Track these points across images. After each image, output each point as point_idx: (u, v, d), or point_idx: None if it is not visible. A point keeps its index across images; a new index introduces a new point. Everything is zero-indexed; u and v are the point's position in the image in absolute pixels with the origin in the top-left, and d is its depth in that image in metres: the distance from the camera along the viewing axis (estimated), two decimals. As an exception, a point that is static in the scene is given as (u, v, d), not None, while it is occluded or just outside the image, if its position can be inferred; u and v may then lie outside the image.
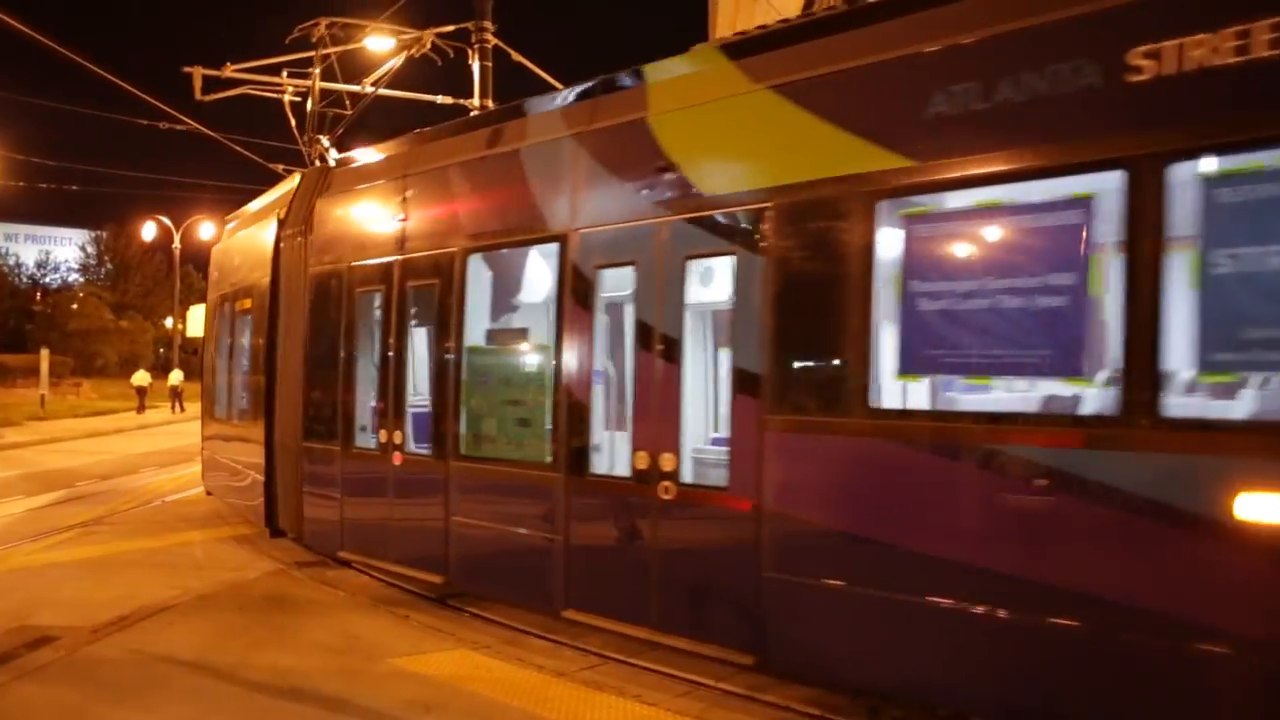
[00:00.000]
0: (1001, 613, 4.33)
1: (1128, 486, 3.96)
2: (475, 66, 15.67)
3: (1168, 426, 3.88)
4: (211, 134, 16.17)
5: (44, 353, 34.41)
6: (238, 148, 17.13)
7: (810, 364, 5.19)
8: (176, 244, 42.09)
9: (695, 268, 5.91)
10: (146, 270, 63.40)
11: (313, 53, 14.90)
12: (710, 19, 17.10)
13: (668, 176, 5.94)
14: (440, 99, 16.35)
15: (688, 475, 5.81)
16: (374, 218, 8.62)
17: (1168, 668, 3.88)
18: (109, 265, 65.26)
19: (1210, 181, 3.90)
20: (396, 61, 14.44)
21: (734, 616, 5.43)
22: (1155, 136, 3.99)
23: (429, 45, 14.32)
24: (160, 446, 21.82)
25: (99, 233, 65.54)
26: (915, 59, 4.86)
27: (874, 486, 4.86)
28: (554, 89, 13.84)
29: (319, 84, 14.76)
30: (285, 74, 15.06)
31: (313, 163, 12.31)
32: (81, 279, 65.17)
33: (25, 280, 65.94)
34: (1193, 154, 3.94)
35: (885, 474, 4.82)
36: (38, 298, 61.35)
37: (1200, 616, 3.76)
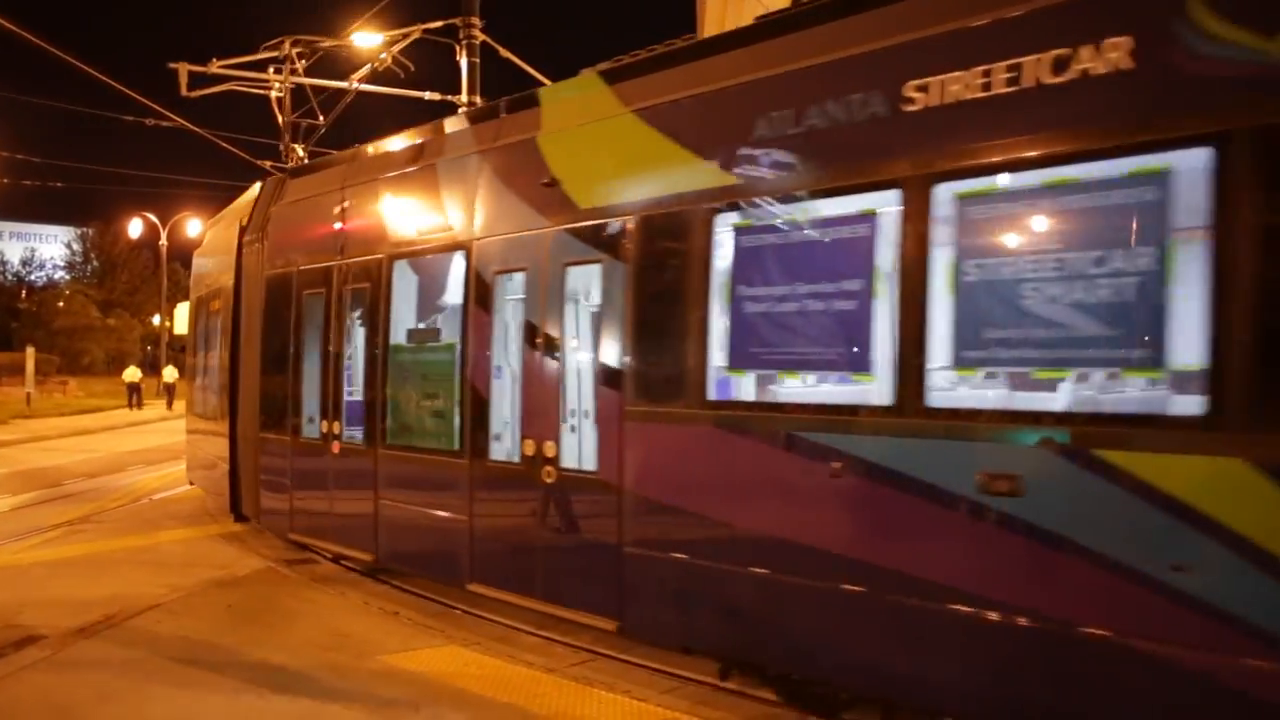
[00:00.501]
0: (806, 579, 4.93)
1: (901, 467, 4.55)
2: (463, 63, 15.63)
3: (930, 414, 4.49)
4: (198, 130, 16.10)
5: (29, 351, 34.21)
6: (224, 144, 17.06)
7: (660, 360, 5.76)
8: (163, 241, 41.82)
9: (573, 274, 6.48)
10: (133, 267, 63.08)
11: (297, 50, 14.84)
12: (699, 11, 17.09)
13: (552, 191, 6.57)
14: (428, 95, 16.29)
15: (566, 461, 6.42)
16: (318, 225, 9.27)
17: (942, 624, 4.41)
18: (95, 262, 64.89)
19: (962, 200, 4.48)
20: (381, 58, 14.39)
21: (601, 587, 6.01)
22: (923, 160, 4.60)
23: (391, 54, 14.18)
24: (147, 444, 21.72)
25: (85, 230, 65.18)
26: (741, 88, 5.52)
27: (708, 470, 5.44)
28: (540, 85, 13.84)
29: (302, 79, 14.69)
30: (272, 70, 14.99)
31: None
32: (67, 276, 64.81)
33: (10, 278, 65.58)
34: (951, 176, 4.50)
35: (717, 458, 5.40)
36: (23, 295, 61.02)
37: (967, 582, 4.32)
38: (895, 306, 4.65)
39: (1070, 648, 4.00)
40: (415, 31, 15.28)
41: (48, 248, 67.15)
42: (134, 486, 14.81)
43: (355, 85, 15.17)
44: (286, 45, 13.27)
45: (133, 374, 35.02)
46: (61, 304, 56.36)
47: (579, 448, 6.56)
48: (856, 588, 4.71)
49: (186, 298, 16.68)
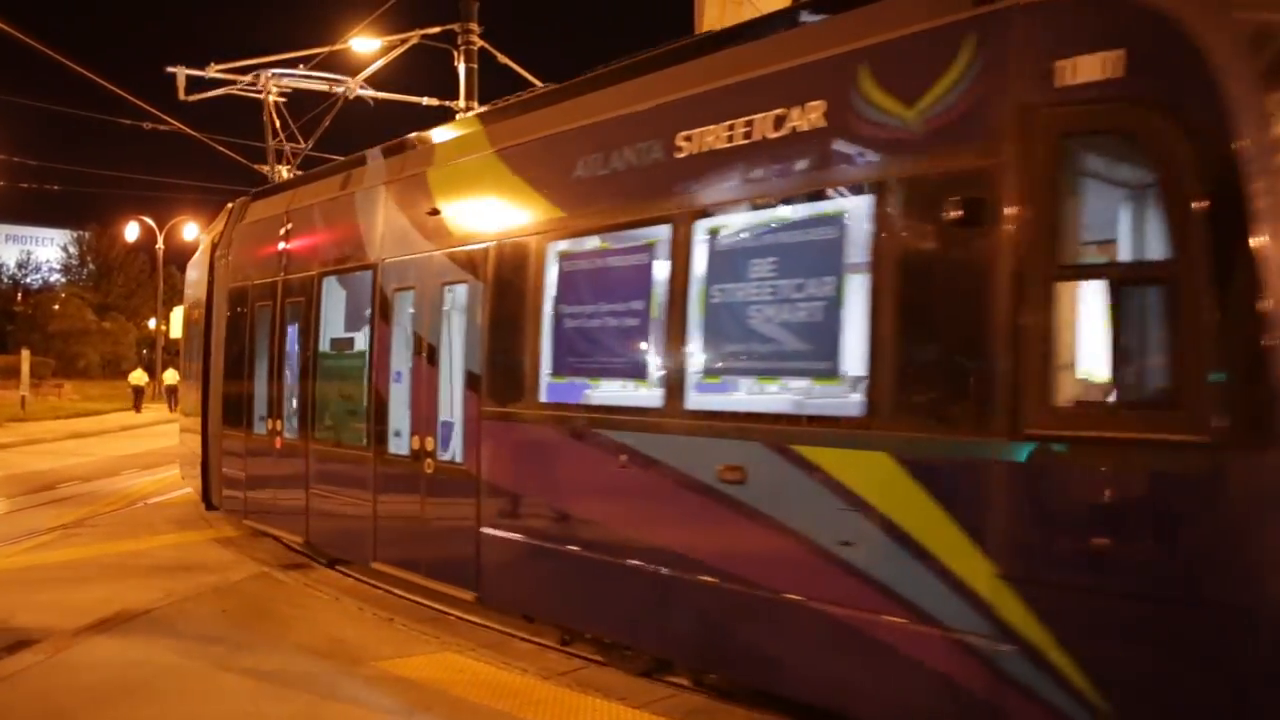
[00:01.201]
0: (603, 555, 5.85)
1: (667, 459, 5.44)
2: (461, 68, 15.66)
3: (687, 416, 5.36)
4: (195, 134, 16.12)
5: (25, 354, 34.18)
6: (221, 148, 17.08)
7: (506, 367, 6.74)
8: (160, 244, 41.83)
9: (448, 293, 7.50)
10: (130, 271, 62.99)
11: (298, 53, 14.87)
12: (696, 17, 17.14)
13: (435, 219, 7.58)
14: (425, 100, 16.32)
15: (441, 454, 7.42)
16: (268, 244, 10.51)
17: (691, 590, 5.31)
18: (91, 266, 64.78)
19: (711, 234, 5.36)
20: (374, 67, 14.39)
21: (464, 563, 6.97)
22: (687, 200, 5.48)
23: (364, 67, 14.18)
24: (143, 448, 21.69)
25: (81, 233, 65.09)
26: (565, 135, 6.53)
27: (539, 462, 6.47)
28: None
29: (298, 85, 14.70)
30: (270, 75, 15.00)
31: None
32: (63, 279, 64.69)
33: (6, 281, 65.45)
34: (705, 214, 5.39)
35: (545, 452, 6.41)
36: (18, 298, 60.87)
37: (710, 556, 5.21)
38: (664, 324, 5.55)
39: (779, 607, 4.89)
40: (414, 37, 15.32)
41: (44, 250, 67.04)
42: (129, 490, 14.79)
43: (351, 91, 15.19)
44: (264, 78, 13.42)
45: (139, 377, 35.85)
46: (57, 307, 56.23)
47: (450, 443, 7.43)
48: (636, 562, 5.61)
49: (182, 302, 16.83)
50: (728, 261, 5.29)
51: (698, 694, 5.63)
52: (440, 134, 8.20)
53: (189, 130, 15.84)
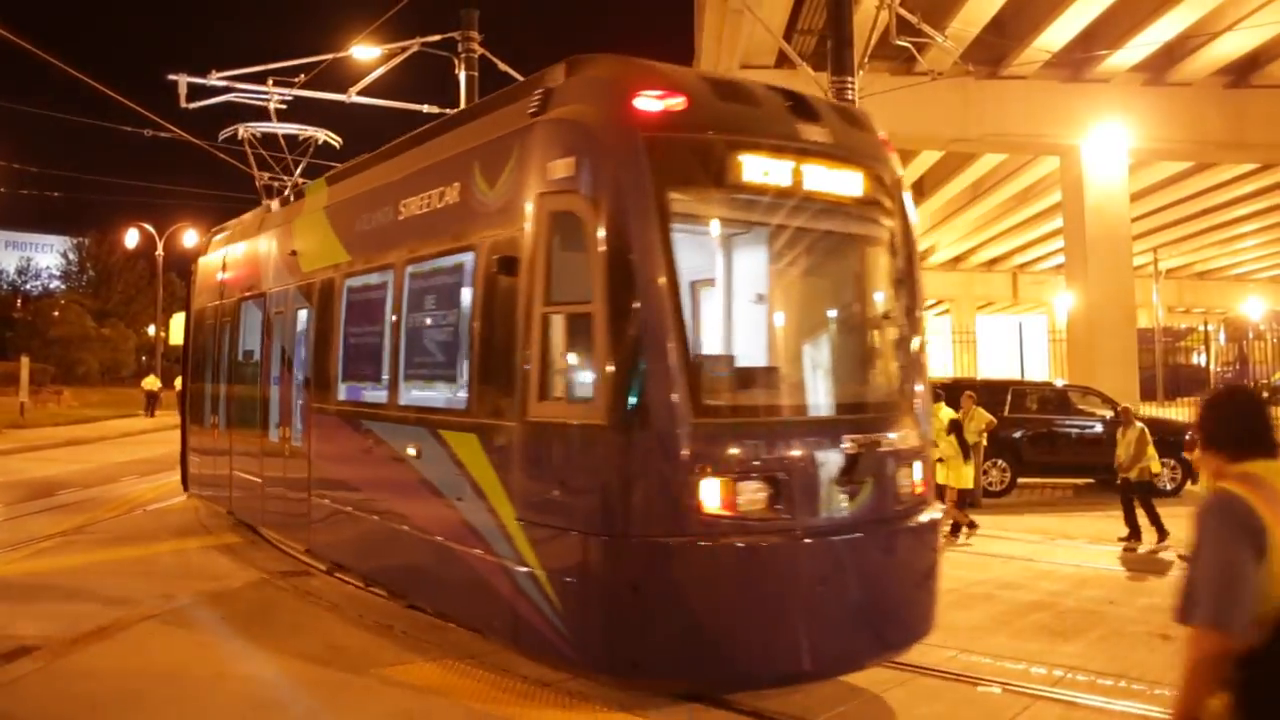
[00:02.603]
0: (363, 514, 7.93)
1: (392, 441, 7.45)
2: (461, 76, 15.69)
3: (399, 409, 7.40)
4: (196, 141, 16.13)
5: (24, 360, 34.15)
6: (222, 155, 17.09)
7: (322, 373, 8.90)
8: (159, 251, 41.80)
9: (299, 314, 9.66)
10: (129, 277, 63.04)
11: (299, 60, 14.90)
12: (696, 30, 17.16)
13: (294, 259, 9.91)
14: (426, 108, 16.34)
15: (294, 439, 9.52)
16: (215, 272, 13.06)
17: (400, 535, 7.28)
18: (91, 272, 64.80)
19: (411, 276, 7.39)
20: (372, 76, 14.37)
21: (303, 523, 9.15)
22: (402, 250, 7.54)
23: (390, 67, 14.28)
24: (141, 455, 21.65)
25: (81, 239, 65.13)
26: (352, 198, 8.87)
27: (335, 444, 8.60)
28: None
29: (300, 92, 14.72)
30: (271, 82, 15.02)
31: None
32: (63, 286, 64.69)
33: (6, 287, 65.45)
34: (410, 261, 7.39)
35: (339, 437, 8.54)
36: (18, 305, 60.86)
37: (409, 511, 7.17)
38: (391, 342, 7.53)
39: (442, 548, 6.65)
40: (414, 45, 15.34)
41: (44, 257, 67.11)
42: (128, 497, 14.78)
43: (352, 98, 15.22)
44: (240, 130, 13.62)
45: (152, 383, 36.55)
46: (56, 313, 56.23)
47: (298, 430, 9.44)
48: (377, 517, 7.67)
49: (182, 309, 16.98)
50: (415, 297, 7.36)
51: (691, 703, 5.62)
52: (309, 188, 10.55)
53: (190, 137, 15.85)
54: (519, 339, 5.81)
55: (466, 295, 6.54)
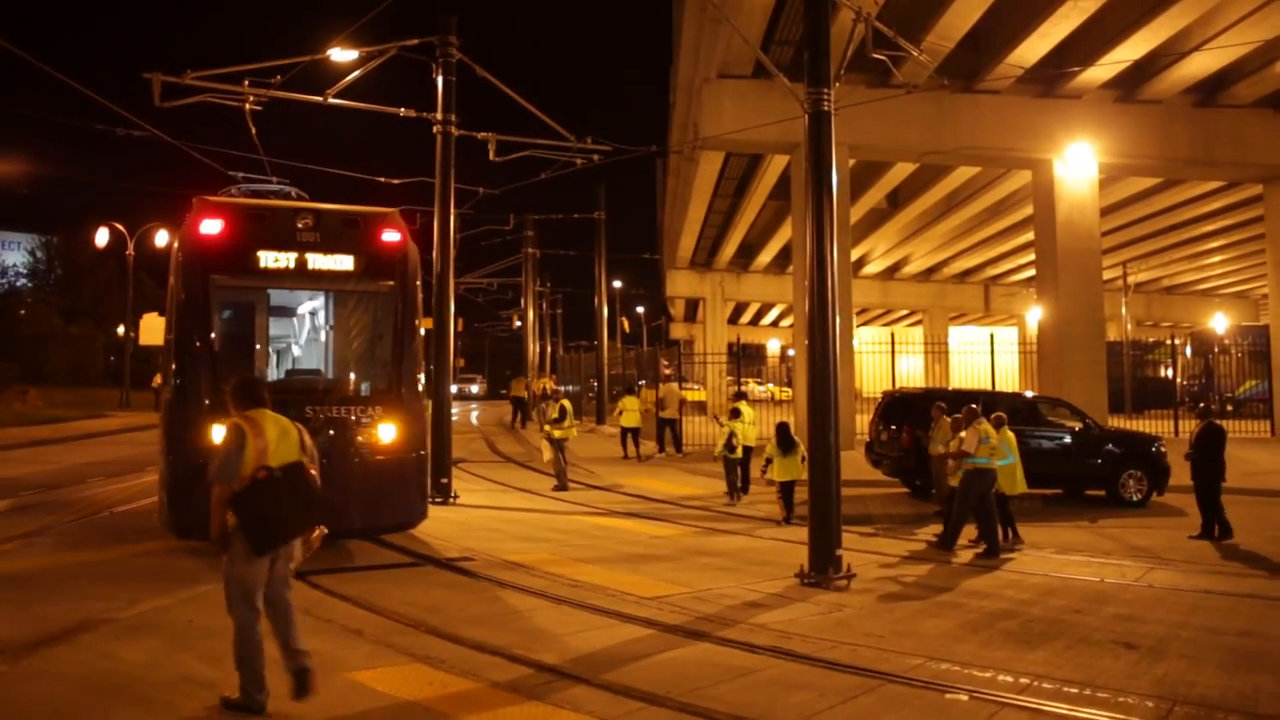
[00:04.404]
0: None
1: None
2: (439, 81, 15.67)
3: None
4: (171, 141, 16.01)
5: (-11, 359, 33.65)
6: (197, 154, 16.96)
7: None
8: (130, 250, 41.32)
9: None
10: (99, 276, 62.20)
11: (276, 62, 14.83)
12: (675, 38, 17.23)
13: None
14: (403, 112, 16.30)
15: None
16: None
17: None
18: (59, 271, 63.93)
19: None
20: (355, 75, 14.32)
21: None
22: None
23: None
24: (109, 456, 21.38)
25: (50, 237, 64.23)
26: None
27: None
28: (517, 104, 14.02)
29: (276, 94, 14.64)
30: (247, 83, 14.95)
31: None
32: (30, 284, 63.78)
33: (-29, 285, 64.36)
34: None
35: None
36: (-16, 302, 59.89)
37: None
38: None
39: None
40: (392, 49, 15.31)
41: (10, 254, 66.05)
42: (95, 498, 14.57)
43: (329, 100, 15.17)
44: (194, 203, 14.14)
45: (159, 381, 36.26)
46: (23, 312, 55.42)
47: None
48: None
49: (153, 309, 16.86)
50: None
51: (664, 708, 5.64)
52: None
53: (165, 136, 15.74)
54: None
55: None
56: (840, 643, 7.24)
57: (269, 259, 10.04)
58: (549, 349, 56.26)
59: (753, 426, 16.51)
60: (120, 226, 40.73)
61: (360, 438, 9.92)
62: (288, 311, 12.47)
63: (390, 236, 10.54)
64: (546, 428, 17.51)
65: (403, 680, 6.07)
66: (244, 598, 5.38)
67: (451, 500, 14.91)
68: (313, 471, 5.64)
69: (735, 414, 16.17)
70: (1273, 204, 26.87)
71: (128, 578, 8.89)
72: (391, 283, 10.50)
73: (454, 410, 18.74)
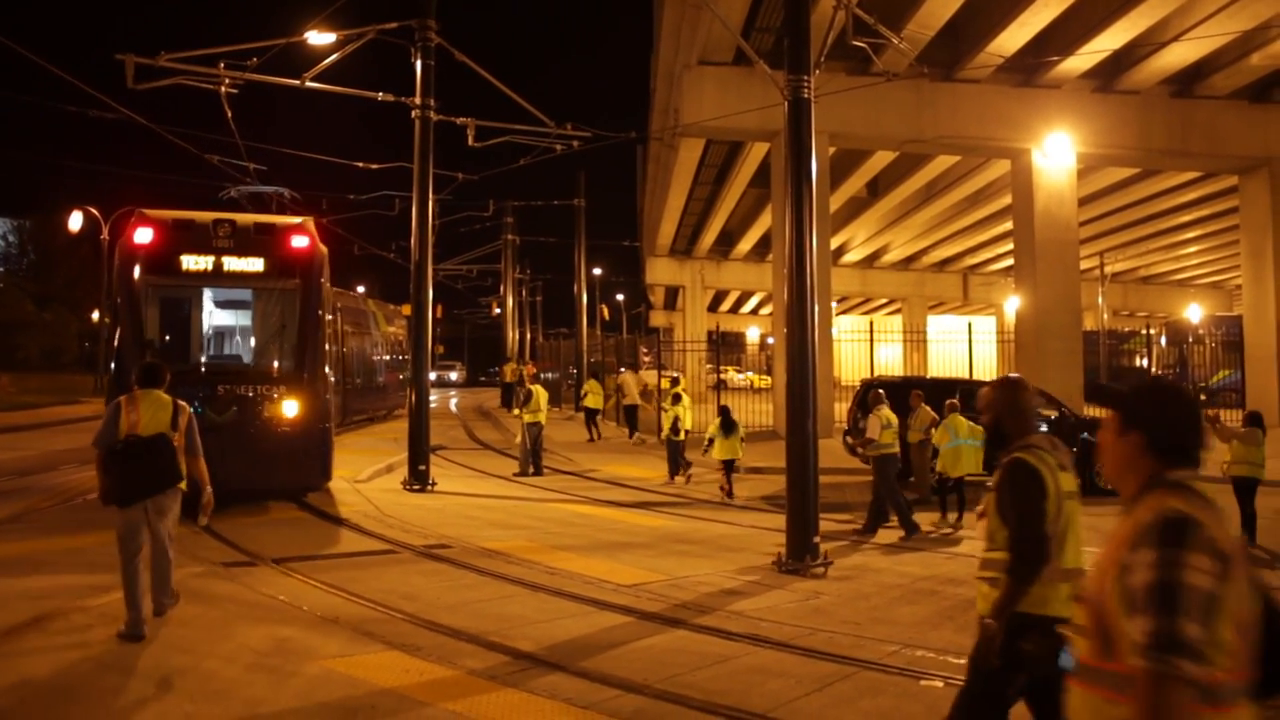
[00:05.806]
0: None
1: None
2: (418, 65, 15.52)
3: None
4: (146, 123, 15.80)
5: (-40, 344, 33.21)
6: (171, 137, 16.75)
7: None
8: (105, 235, 40.82)
9: None
10: (73, 261, 61.45)
11: (252, 44, 14.66)
12: (655, 24, 17.15)
13: None
14: (380, 96, 16.15)
15: None
16: None
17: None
18: (32, 255, 63.17)
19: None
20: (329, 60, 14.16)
21: None
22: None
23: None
24: (81, 443, 21.15)
25: (22, 221, 63.40)
26: None
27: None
28: (497, 90, 13.98)
29: (251, 77, 14.48)
30: (222, 65, 14.76)
31: None
32: (2, 269, 62.98)
33: (-58, 269, 63.47)
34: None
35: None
36: (-46, 287, 59.07)
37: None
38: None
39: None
40: (370, 32, 15.14)
41: (-18, 239, 65.18)
42: (68, 485, 14.43)
43: (306, 84, 15.01)
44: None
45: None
46: (-6, 297, 54.72)
47: None
48: None
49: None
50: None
51: (641, 695, 5.65)
52: None
53: (139, 119, 15.52)
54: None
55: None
56: (817, 630, 7.27)
57: (190, 262, 11.92)
58: (529, 336, 56.13)
59: (689, 411, 17.77)
60: (94, 211, 40.24)
61: (266, 413, 11.74)
62: (213, 306, 14.28)
63: (298, 242, 12.16)
64: (516, 411, 18.68)
65: (379, 668, 6.04)
66: (120, 539, 6.67)
67: (430, 487, 14.87)
68: (176, 443, 6.78)
69: (677, 399, 17.48)
70: (1248, 195, 27.11)
71: (98, 565, 8.74)
72: (297, 281, 12.16)
73: (433, 397, 18.72)
